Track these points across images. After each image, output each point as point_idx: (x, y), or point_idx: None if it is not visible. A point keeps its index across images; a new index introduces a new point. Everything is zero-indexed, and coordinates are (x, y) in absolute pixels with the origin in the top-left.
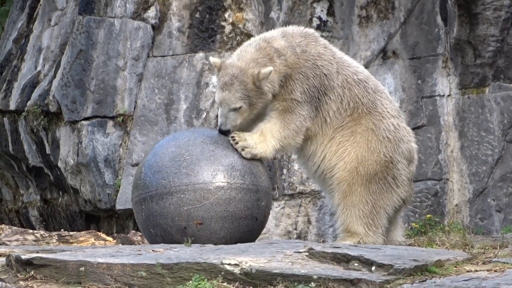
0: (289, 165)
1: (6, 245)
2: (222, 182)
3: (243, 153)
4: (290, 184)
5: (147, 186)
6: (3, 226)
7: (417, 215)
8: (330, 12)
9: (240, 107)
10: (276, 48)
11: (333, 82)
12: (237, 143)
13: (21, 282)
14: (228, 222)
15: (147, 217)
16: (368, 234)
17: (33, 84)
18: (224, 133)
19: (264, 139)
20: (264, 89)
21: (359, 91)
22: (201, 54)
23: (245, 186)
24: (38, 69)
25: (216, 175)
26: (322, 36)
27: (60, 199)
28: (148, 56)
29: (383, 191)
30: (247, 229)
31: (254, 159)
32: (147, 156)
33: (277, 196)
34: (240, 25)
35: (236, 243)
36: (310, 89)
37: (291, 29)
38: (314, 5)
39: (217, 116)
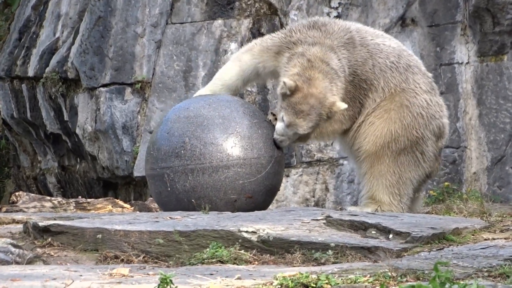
0: None
1: (24, 212)
2: (270, 156)
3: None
4: (308, 151)
5: (197, 158)
6: (20, 193)
7: (435, 183)
8: None
9: (307, 134)
10: (334, 69)
11: (369, 82)
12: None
13: (38, 249)
14: (270, 195)
15: (192, 188)
16: (392, 203)
17: (51, 50)
18: (280, 147)
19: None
20: (334, 118)
21: (392, 75)
22: (219, 21)
23: (280, 158)
24: (57, 35)
25: (265, 148)
26: (340, 3)
27: (77, 166)
28: (166, 23)
29: (411, 163)
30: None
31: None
32: (186, 124)
33: (295, 163)
34: None
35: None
36: (351, 99)
37: (330, 30)
38: None
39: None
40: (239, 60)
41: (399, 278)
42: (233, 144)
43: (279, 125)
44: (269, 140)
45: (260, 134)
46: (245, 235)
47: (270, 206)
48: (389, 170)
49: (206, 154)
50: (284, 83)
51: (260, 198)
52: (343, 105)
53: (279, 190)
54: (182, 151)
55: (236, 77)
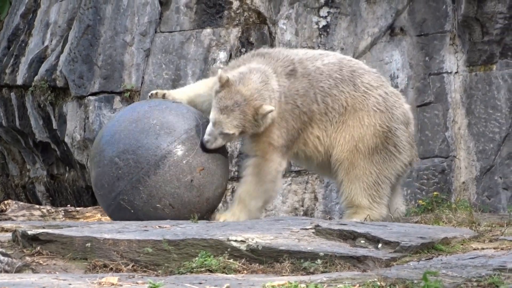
0: None
1: (13, 220)
2: (196, 124)
3: None
4: None
5: (135, 166)
6: (9, 201)
7: (424, 193)
8: None
9: (232, 134)
10: (271, 85)
11: (312, 113)
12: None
13: (27, 258)
14: (220, 158)
15: (150, 195)
16: (372, 206)
17: (40, 59)
18: (206, 149)
19: (244, 206)
20: (260, 123)
21: (338, 89)
22: (208, 30)
23: (207, 122)
24: (46, 44)
25: (189, 120)
26: (329, 12)
27: (66, 175)
28: (155, 32)
29: (386, 160)
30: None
31: None
32: (108, 145)
33: (283, 172)
34: (248, 1)
35: (229, 179)
36: (289, 132)
37: (274, 57)
38: None
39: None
40: (205, 84)
41: (388, 287)
42: (156, 135)
43: (208, 125)
44: (188, 111)
45: (175, 113)
46: (234, 244)
47: (262, 216)
48: (365, 172)
49: (140, 159)
50: (219, 74)
51: (213, 166)
52: (269, 107)
53: (227, 152)
54: (120, 171)
55: (194, 96)
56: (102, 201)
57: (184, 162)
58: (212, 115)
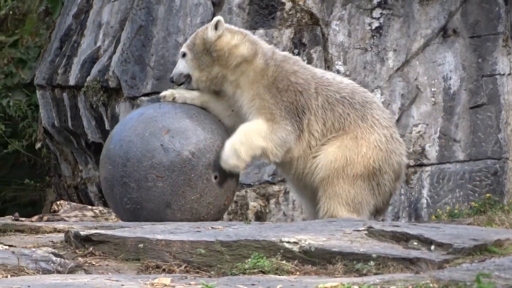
0: None
1: (65, 221)
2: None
3: (222, 163)
4: None
5: (113, 168)
6: (62, 202)
7: (476, 194)
8: None
9: (184, 54)
10: (255, 40)
11: (311, 102)
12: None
13: (80, 259)
14: (187, 117)
15: (137, 180)
16: (353, 216)
17: (92, 59)
18: (171, 79)
19: (246, 139)
20: (209, 38)
21: (344, 110)
22: (261, 31)
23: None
24: (98, 44)
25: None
26: (382, 13)
27: None
28: None
29: (366, 190)
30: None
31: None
32: (111, 168)
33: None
34: (301, 2)
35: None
36: (284, 104)
37: (279, 50)
38: None
39: None
40: None
41: None
42: (129, 139)
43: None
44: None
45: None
46: (287, 245)
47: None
48: (344, 190)
49: (111, 160)
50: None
51: (177, 125)
52: (216, 18)
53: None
54: (127, 180)
55: None
56: (124, 218)
57: (147, 134)
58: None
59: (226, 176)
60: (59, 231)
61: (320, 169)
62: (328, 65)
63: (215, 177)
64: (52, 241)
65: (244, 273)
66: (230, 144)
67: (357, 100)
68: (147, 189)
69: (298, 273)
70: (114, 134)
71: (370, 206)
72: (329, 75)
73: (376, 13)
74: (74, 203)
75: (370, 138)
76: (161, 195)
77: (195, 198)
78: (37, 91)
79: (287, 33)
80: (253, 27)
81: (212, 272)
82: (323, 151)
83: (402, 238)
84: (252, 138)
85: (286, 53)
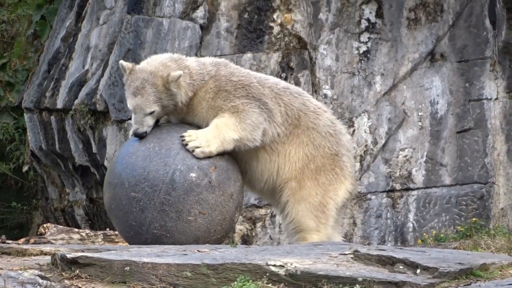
0: None
1: (52, 243)
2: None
3: (194, 153)
4: None
5: (153, 191)
6: (48, 224)
7: (462, 218)
8: (379, 14)
9: (154, 111)
10: (187, 65)
11: (261, 91)
12: (186, 144)
13: (66, 281)
14: (227, 154)
15: (178, 212)
16: (319, 228)
17: (80, 82)
18: (141, 136)
19: (219, 133)
20: (173, 91)
21: (289, 98)
22: (249, 55)
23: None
24: (86, 67)
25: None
26: (370, 38)
27: None
28: (196, 56)
29: (332, 182)
30: None
31: (210, 156)
32: (118, 187)
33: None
34: (289, 26)
35: None
36: (239, 97)
37: (204, 59)
38: (363, 6)
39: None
40: None
41: None
42: (159, 155)
43: (132, 116)
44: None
45: (165, 130)
46: (273, 268)
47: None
48: (311, 193)
49: (154, 182)
50: (121, 64)
51: (222, 162)
52: (178, 72)
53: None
54: (141, 203)
55: None
56: (135, 240)
57: (195, 167)
58: (129, 103)
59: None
60: (45, 254)
61: (288, 171)
62: (315, 89)
63: (236, 218)
64: (38, 264)
65: None
66: (204, 136)
67: (293, 90)
68: (185, 222)
69: None
70: (156, 156)
71: (338, 201)
72: (263, 74)
73: (364, 37)
74: (60, 226)
75: (319, 125)
76: (195, 230)
77: (219, 237)
78: (24, 114)
79: (275, 57)
80: (241, 51)
81: None
82: (288, 153)
83: (388, 262)
84: (223, 132)
85: (212, 59)
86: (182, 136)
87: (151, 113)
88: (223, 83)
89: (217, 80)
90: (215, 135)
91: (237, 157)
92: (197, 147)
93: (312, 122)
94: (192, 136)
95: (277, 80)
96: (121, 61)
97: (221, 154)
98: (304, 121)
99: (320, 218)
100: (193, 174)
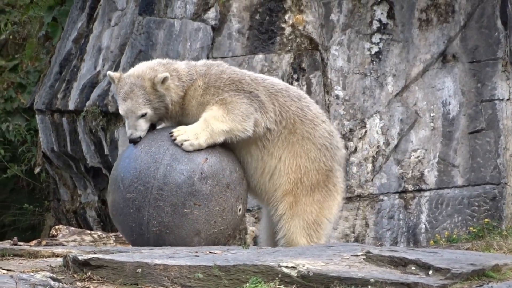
0: (347, 168)
1: (64, 245)
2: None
3: (183, 147)
4: (348, 187)
5: (145, 188)
6: (60, 226)
7: (474, 219)
8: (390, 15)
9: (146, 113)
10: (175, 68)
11: (253, 87)
12: (175, 139)
13: (78, 283)
14: (221, 146)
15: (173, 205)
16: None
17: (92, 84)
18: (135, 141)
19: (207, 125)
20: (161, 92)
21: (285, 100)
22: (260, 56)
23: None
24: (98, 69)
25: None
26: (381, 39)
27: None
28: (207, 57)
29: (327, 199)
30: None
31: (200, 149)
32: (115, 192)
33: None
34: (300, 27)
35: None
36: (229, 91)
37: (197, 61)
38: (374, 7)
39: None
40: None
41: None
42: (148, 153)
43: (125, 121)
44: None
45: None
46: (285, 270)
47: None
48: (306, 210)
49: (145, 179)
50: (109, 74)
51: (215, 154)
52: (164, 74)
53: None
54: (136, 202)
55: None
56: (139, 241)
57: (185, 160)
58: (120, 109)
59: (245, 209)
60: (57, 256)
61: (284, 182)
62: (327, 90)
63: (239, 210)
64: (50, 266)
65: None
66: (193, 131)
67: (292, 93)
68: (182, 215)
69: None
70: (146, 154)
71: (331, 219)
72: (259, 75)
73: (376, 38)
74: (72, 228)
75: (314, 136)
76: (194, 222)
77: (222, 229)
78: (36, 116)
79: (287, 58)
80: (252, 52)
81: None
82: (284, 161)
83: (400, 263)
84: (211, 124)
85: (206, 61)
86: (171, 133)
87: (143, 115)
88: (213, 80)
89: (206, 77)
90: (203, 128)
91: (235, 152)
92: (186, 141)
93: (307, 131)
94: (180, 131)
95: (278, 81)
96: (109, 72)
97: (214, 146)
98: (300, 128)
99: (313, 237)
100: (183, 167)
